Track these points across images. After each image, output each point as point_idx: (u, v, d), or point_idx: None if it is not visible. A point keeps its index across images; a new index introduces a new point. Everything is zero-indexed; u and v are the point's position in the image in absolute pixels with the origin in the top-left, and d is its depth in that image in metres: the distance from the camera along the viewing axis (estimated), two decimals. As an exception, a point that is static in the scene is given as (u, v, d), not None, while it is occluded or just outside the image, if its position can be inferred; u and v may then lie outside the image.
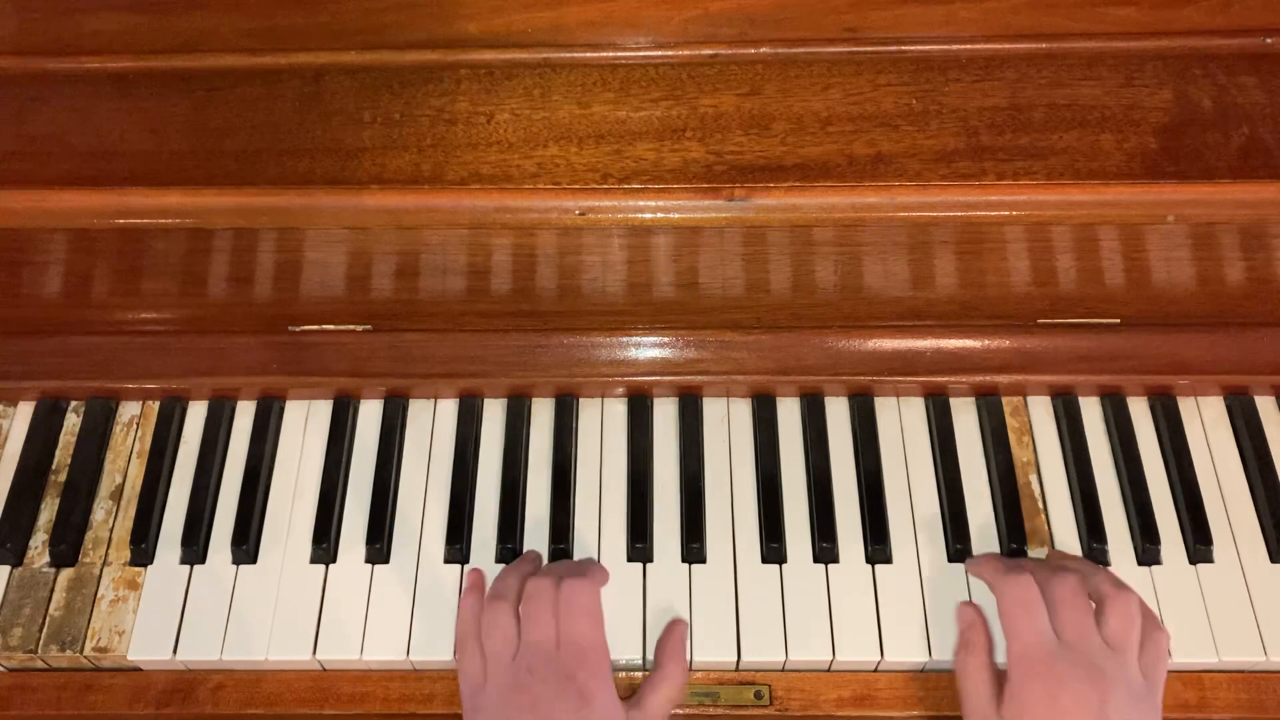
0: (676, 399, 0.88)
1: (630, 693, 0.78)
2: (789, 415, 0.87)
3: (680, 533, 0.82)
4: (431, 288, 0.84)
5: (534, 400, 0.88)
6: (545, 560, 0.81)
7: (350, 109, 0.79)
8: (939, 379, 0.86)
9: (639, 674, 0.79)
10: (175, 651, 0.78)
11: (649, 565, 0.81)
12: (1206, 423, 0.86)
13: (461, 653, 0.73)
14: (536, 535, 0.82)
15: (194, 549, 0.82)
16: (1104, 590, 0.70)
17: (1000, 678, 0.69)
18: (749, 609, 0.79)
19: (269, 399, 0.88)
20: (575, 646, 0.69)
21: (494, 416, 0.88)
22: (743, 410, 0.87)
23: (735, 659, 0.77)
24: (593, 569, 0.76)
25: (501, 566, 0.81)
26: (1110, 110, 0.77)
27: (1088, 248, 0.80)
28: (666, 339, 0.86)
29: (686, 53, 0.80)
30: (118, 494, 0.85)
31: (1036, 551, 0.81)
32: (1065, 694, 0.65)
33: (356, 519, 0.84)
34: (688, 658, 0.77)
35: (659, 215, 0.76)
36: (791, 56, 0.80)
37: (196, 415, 0.88)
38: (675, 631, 0.76)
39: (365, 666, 0.79)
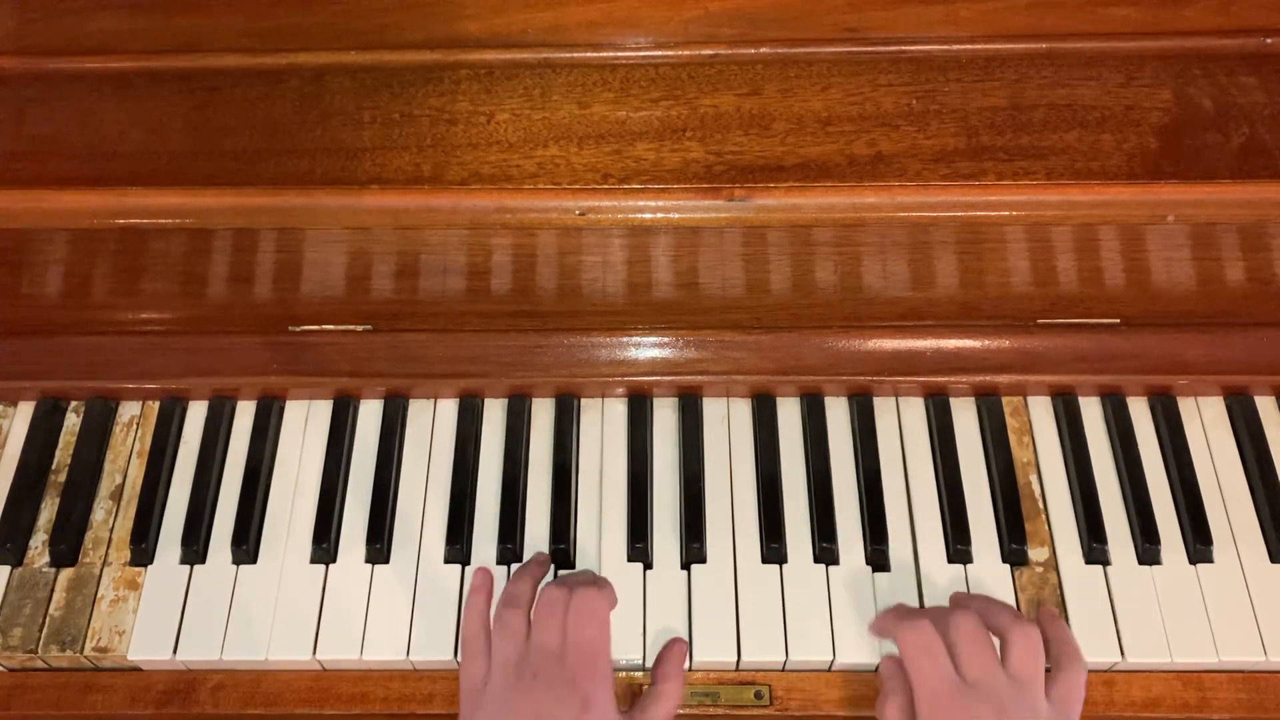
0: (676, 399, 0.88)
1: (629, 693, 0.78)
2: (789, 415, 0.87)
3: (680, 533, 0.82)
4: (431, 288, 0.84)
5: (534, 400, 0.88)
6: (551, 561, 0.81)
7: (350, 109, 0.79)
8: (939, 379, 0.86)
9: (639, 674, 0.79)
10: (175, 651, 0.78)
11: (649, 565, 0.81)
12: (1206, 423, 0.86)
13: (466, 652, 0.73)
14: (536, 535, 0.82)
15: (194, 549, 0.82)
16: (1004, 625, 0.70)
17: None
18: (749, 609, 0.79)
19: (269, 399, 0.88)
20: (580, 653, 0.70)
21: (494, 416, 0.88)
22: (743, 410, 0.87)
23: (735, 659, 0.77)
24: (605, 583, 0.77)
25: (502, 568, 0.81)
26: (1110, 110, 0.77)
27: (1088, 248, 0.80)
28: (666, 339, 0.86)
29: (686, 53, 0.80)
30: (118, 494, 0.85)
31: (1037, 553, 0.81)
32: None
33: (356, 519, 0.84)
34: (684, 673, 0.77)
35: (659, 215, 0.76)
36: (791, 56, 0.80)
37: (196, 415, 0.89)
38: (675, 650, 0.76)
39: (365, 666, 0.79)
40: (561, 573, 0.81)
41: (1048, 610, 0.77)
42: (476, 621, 0.73)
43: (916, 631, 0.70)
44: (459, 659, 0.75)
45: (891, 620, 0.74)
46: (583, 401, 0.88)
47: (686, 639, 0.78)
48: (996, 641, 0.70)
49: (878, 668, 0.76)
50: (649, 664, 0.78)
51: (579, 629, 0.70)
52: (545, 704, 0.67)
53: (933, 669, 0.68)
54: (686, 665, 0.78)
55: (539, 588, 0.75)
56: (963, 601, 0.76)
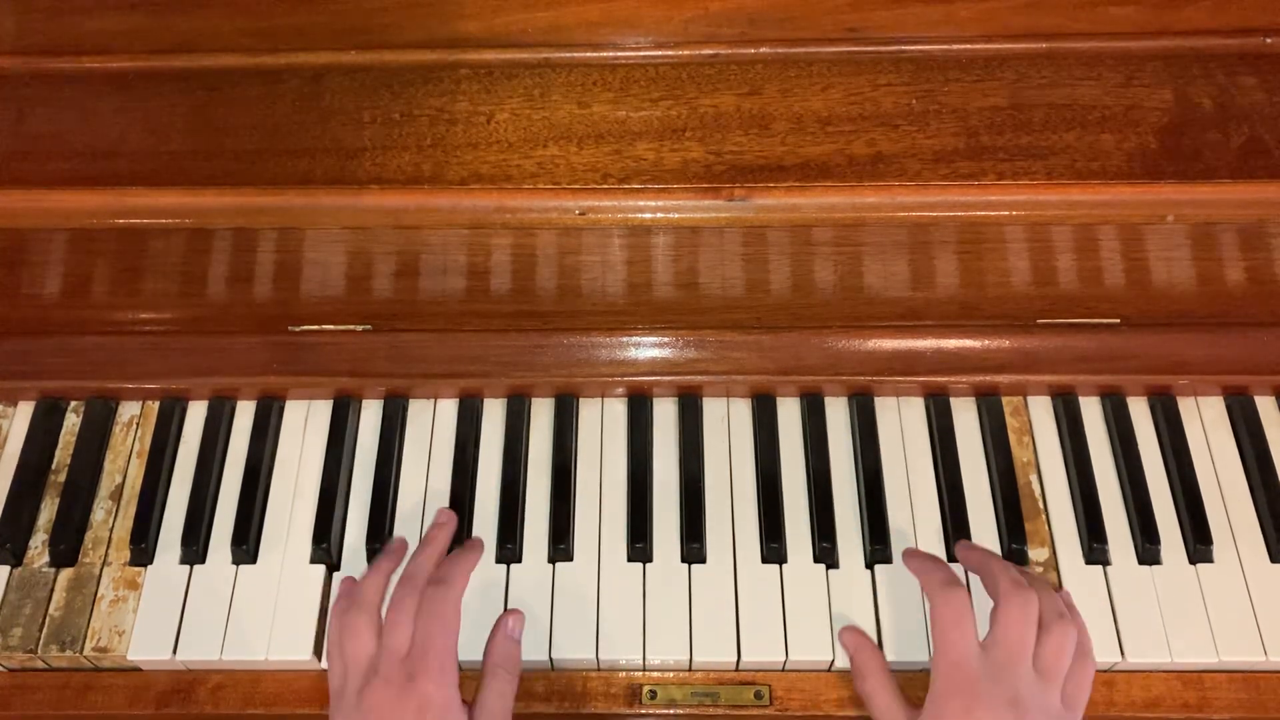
0: (676, 399, 0.88)
1: (629, 693, 0.78)
2: (789, 415, 0.87)
3: (680, 533, 0.82)
4: (431, 288, 0.84)
5: (534, 400, 0.88)
6: (549, 562, 0.81)
7: (350, 109, 0.79)
8: (939, 379, 0.86)
9: (639, 674, 0.79)
10: (175, 651, 0.78)
11: (649, 565, 0.81)
12: (1206, 423, 0.86)
13: (328, 659, 0.74)
14: (536, 535, 0.82)
15: (194, 549, 0.82)
16: (1048, 617, 0.70)
17: (900, 686, 0.71)
18: (749, 609, 0.79)
19: (269, 399, 0.88)
20: (419, 650, 0.70)
21: (494, 416, 0.88)
22: (743, 410, 0.87)
23: (735, 659, 0.77)
24: (455, 568, 0.76)
25: (503, 568, 0.81)
26: (1110, 110, 0.77)
27: (1088, 248, 0.80)
28: (666, 339, 0.86)
29: (686, 53, 0.80)
30: (118, 494, 0.85)
31: (1037, 552, 0.81)
32: (983, 713, 0.66)
33: (357, 519, 0.84)
34: (684, 664, 0.77)
35: (659, 215, 0.76)
36: (791, 56, 0.80)
37: (196, 415, 0.89)
38: (497, 629, 0.77)
39: (365, 666, 0.79)
40: (408, 560, 0.79)
41: (1067, 599, 0.77)
42: (334, 628, 0.74)
43: (955, 602, 0.71)
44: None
45: (932, 576, 0.74)
46: (583, 401, 0.88)
47: (687, 640, 0.78)
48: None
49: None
50: (649, 664, 0.78)
51: (421, 627, 0.71)
52: (383, 704, 0.68)
53: (960, 642, 0.69)
54: (687, 664, 0.78)
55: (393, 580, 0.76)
56: (1006, 570, 0.75)
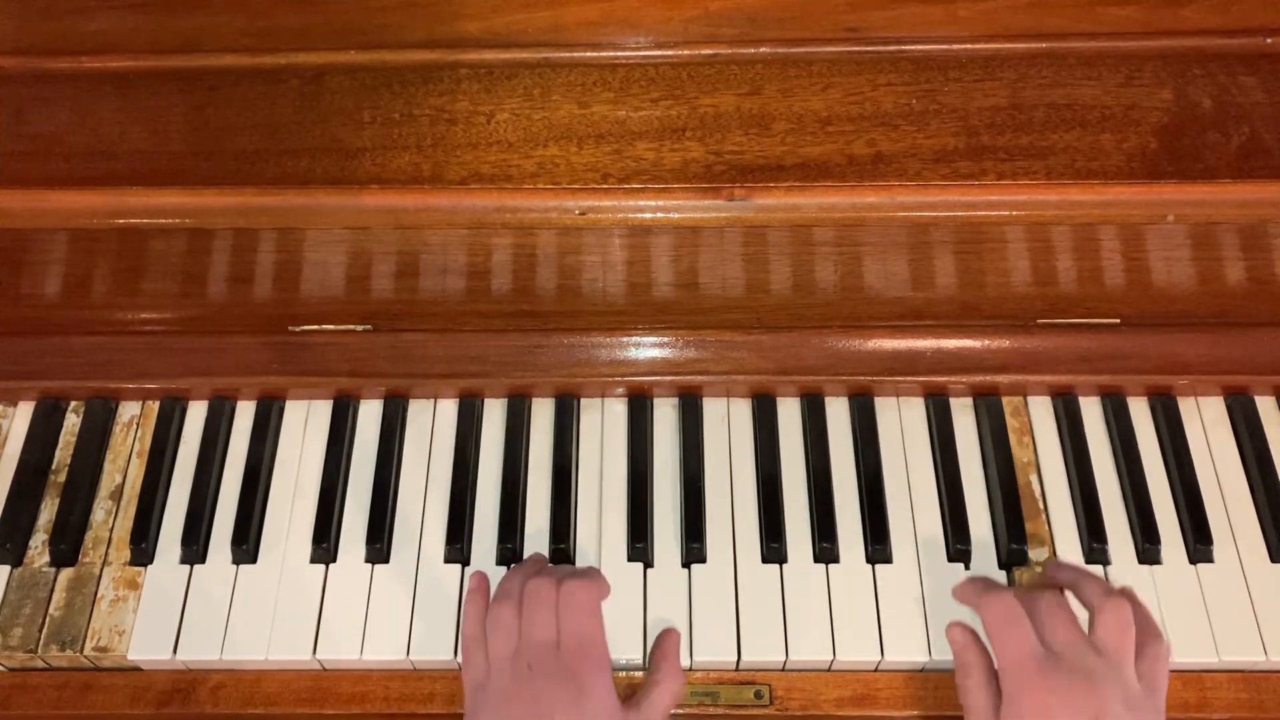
0: (676, 399, 0.88)
1: (630, 693, 0.78)
2: (789, 415, 0.87)
3: (680, 532, 0.82)
4: (431, 288, 0.84)
5: (534, 400, 0.88)
6: (549, 562, 0.81)
7: (350, 109, 0.79)
8: (939, 379, 0.86)
9: (639, 674, 0.79)
10: (175, 651, 0.78)
11: (649, 565, 0.81)
12: (1206, 423, 0.86)
13: (465, 654, 0.73)
14: (536, 535, 0.82)
15: (194, 549, 0.82)
16: (1095, 599, 0.70)
17: (1000, 692, 0.69)
18: (749, 609, 0.79)
19: (269, 399, 0.88)
20: (574, 642, 0.70)
21: (494, 416, 0.88)
22: (743, 410, 0.87)
23: (735, 659, 0.77)
24: (595, 573, 0.77)
25: (503, 567, 0.81)
26: (1110, 110, 0.77)
27: (1087, 247, 0.80)
28: (666, 339, 0.86)
29: (686, 53, 0.80)
30: (118, 494, 0.85)
31: (1037, 553, 0.81)
32: (1057, 701, 0.64)
33: (356, 519, 0.84)
34: (683, 664, 0.77)
35: (659, 215, 0.76)
36: (791, 56, 0.80)
37: (196, 415, 0.89)
38: (669, 639, 0.77)
39: (365, 666, 0.79)
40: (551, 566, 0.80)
41: (1129, 592, 0.76)
42: (474, 623, 0.74)
43: (1001, 601, 0.69)
44: (459, 661, 0.75)
45: (974, 590, 0.74)
46: (583, 401, 0.88)
47: (685, 640, 0.78)
48: (1083, 616, 0.70)
49: (948, 637, 0.74)
50: (649, 664, 0.78)
51: (569, 621, 0.71)
52: (543, 694, 0.67)
53: (1016, 638, 0.68)
54: (687, 664, 0.78)
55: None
56: (1054, 573, 0.75)
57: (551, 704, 0.67)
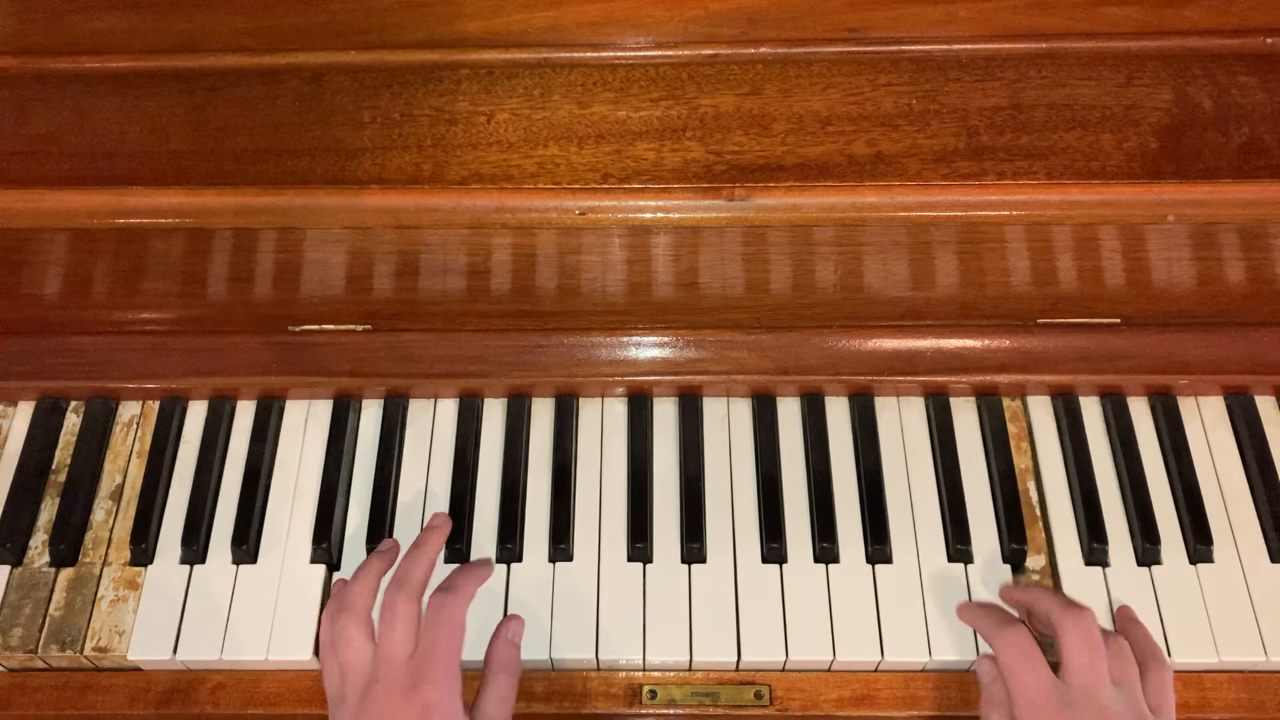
0: (676, 399, 0.88)
1: (629, 693, 0.78)
2: (789, 415, 0.87)
3: (680, 532, 0.82)
4: (431, 288, 0.84)
5: (534, 400, 0.88)
6: (550, 562, 0.81)
7: (350, 109, 0.79)
8: (939, 379, 0.86)
9: (639, 674, 0.79)
10: (175, 651, 0.78)
11: (649, 565, 0.81)
12: (1206, 423, 0.86)
13: (323, 664, 0.73)
14: (536, 535, 0.82)
15: (194, 549, 0.82)
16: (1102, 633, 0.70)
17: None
18: (749, 609, 0.79)
19: (269, 399, 0.88)
20: (425, 656, 0.70)
21: (494, 416, 0.88)
22: (743, 410, 0.87)
23: (735, 659, 0.77)
24: (465, 579, 0.76)
25: (504, 568, 0.81)
26: (1110, 110, 0.77)
27: (1088, 247, 0.80)
28: (666, 339, 0.86)
29: (686, 53, 0.80)
30: (118, 494, 0.85)
31: (1035, 558, 0.81)
32: None
33: (356, 519, 0.84)
34: (684, 664, 0.77)
35: (659, 215, 0.76)
36: (791, 56, 0.80)
37: (196, 415, 0.88)
38: (498, 632, 0.76)
39: (365, 666, 0.79)
40: (401, 560, 0.77)
41: (1127, 612, 0.77)
42: (326, 632, 0.73)
43: (1018, 637, 0.70)
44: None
45: (987, 622, 0.74)
46: (583, 401, 0.88)
47: (686, 640, 0.78)
48: None
49: (973, 668, 0.76)
50: (649, 664, 0.78)
51: (427, 633, 0.71)
52: (388, 710, 0.67)
53: (1032, 677, 0.68)
54: (687, 664, 0.78)
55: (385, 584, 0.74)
56: (1064, 598, 0.75)
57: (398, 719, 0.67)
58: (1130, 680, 0.68)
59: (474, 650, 0.76)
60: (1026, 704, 0.67)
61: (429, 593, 0.74)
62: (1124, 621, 0.76)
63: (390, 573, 0.76)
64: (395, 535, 0.83)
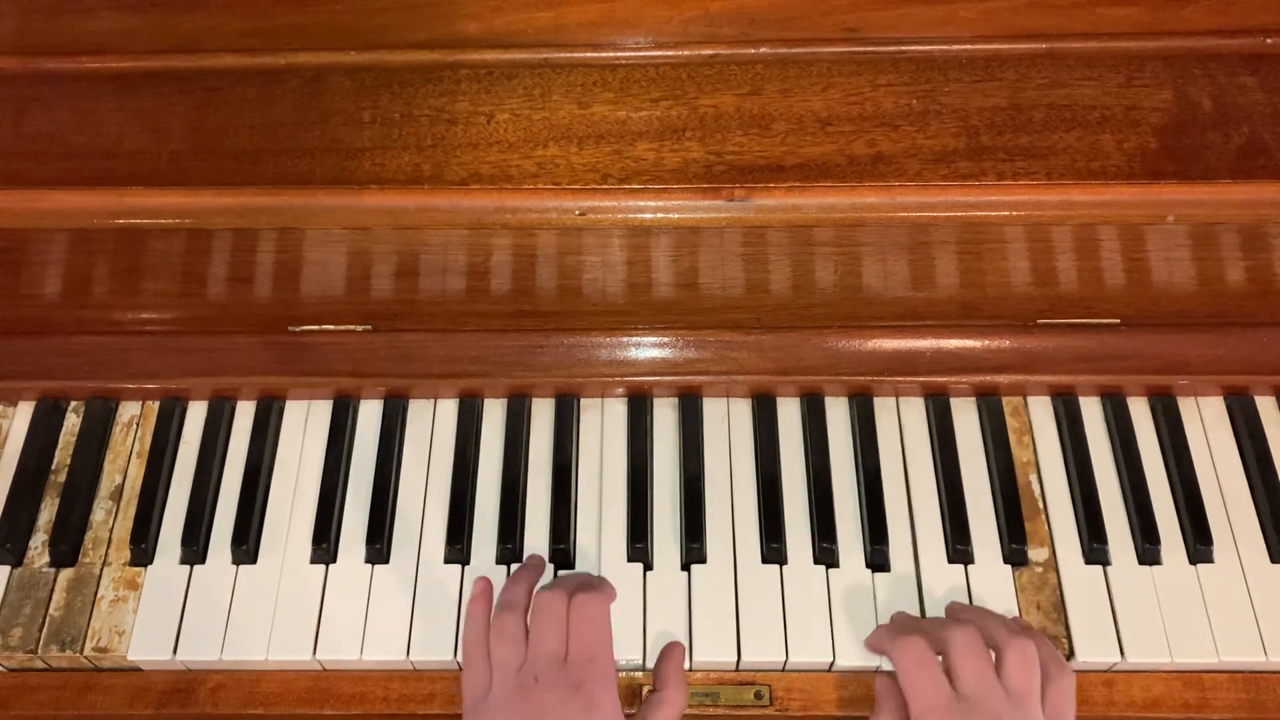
0: (676, 399, 0.88)
1: (630, 693, 0.78)
2: (789, 415, 0.87)
3: (680, 533, 0.82)
4: (431, 288, 0.84)
5: (534, 400, 0.88)
6: (548, 562, 0.81)
7: (350, 109, 0.79)
8: (939, 379, 0.86)
9: (639, 674, 0.79)
10: (175, 651, 0.78)
11: (649, 565, 0.81)
12: (1206, 423, 0.86)
13: (467, 661, 0.73)
14: (536, 535, 0.82)
15: (194, 549, 0.82)
16: (1001, 639, 0.69)
17: None
18: (749, 609, 0.79)
19: (269, 399, 0.88)
20: (584, 657, 0.70)
21: (494, 417, 0.88)
22: (743, 410, 0.87)
23: (735, 659, 0.77)
24: (603, 584, 0.77)
25: (503, 568, 0.81)
26: (1110, 110, 0.77)
27: (1088, 248, 0.80)
28: (666, 339, 0.86)
29: (686, 53, 0.80)
30: (118, 494, 0.85)
31: (1037, 552, 0.81)
32: None
33: (356, 519, 0.84)
34: (683, 665, 0.77)
35: (659, 215, 0.76)
36: (792, 56, 0.80)
37: (196, 415, 0.88)
38: (674, 652, 0.77)
39: (365, 666, 0.79)
40: (560, 573, 0.80)
41: (1022, 622, 0.76)
42: (476, 630, 0.74)
43: (911, 646, 0.69)
44: (460, 664, 0.75)
45: (885, 636, 0.74)
46: (583, 401, 0.88)
47: (685, 640, 0.78)
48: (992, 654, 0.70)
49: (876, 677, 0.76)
50: (649, 664, 0.78)
51: (578, 635, 0.71)
52: (549, 708, 0.67)
53: (928, 684, 0.68)
54: (687, 665, 0.78)
55: (535, 590, 0.75)
56: (957, 613, 0.76)
57: (559, 717, 0.67)
58: (1029, 689, 0.67)
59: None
60: (923, 709, 0.67)
61: None
62: (997, 627, 0.73)
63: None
64: (395, 535, 0.83)
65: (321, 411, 0.88)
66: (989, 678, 0.67)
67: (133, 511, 0.84)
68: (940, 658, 0.69)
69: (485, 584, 0.77)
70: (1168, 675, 0.78)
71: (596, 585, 0.75)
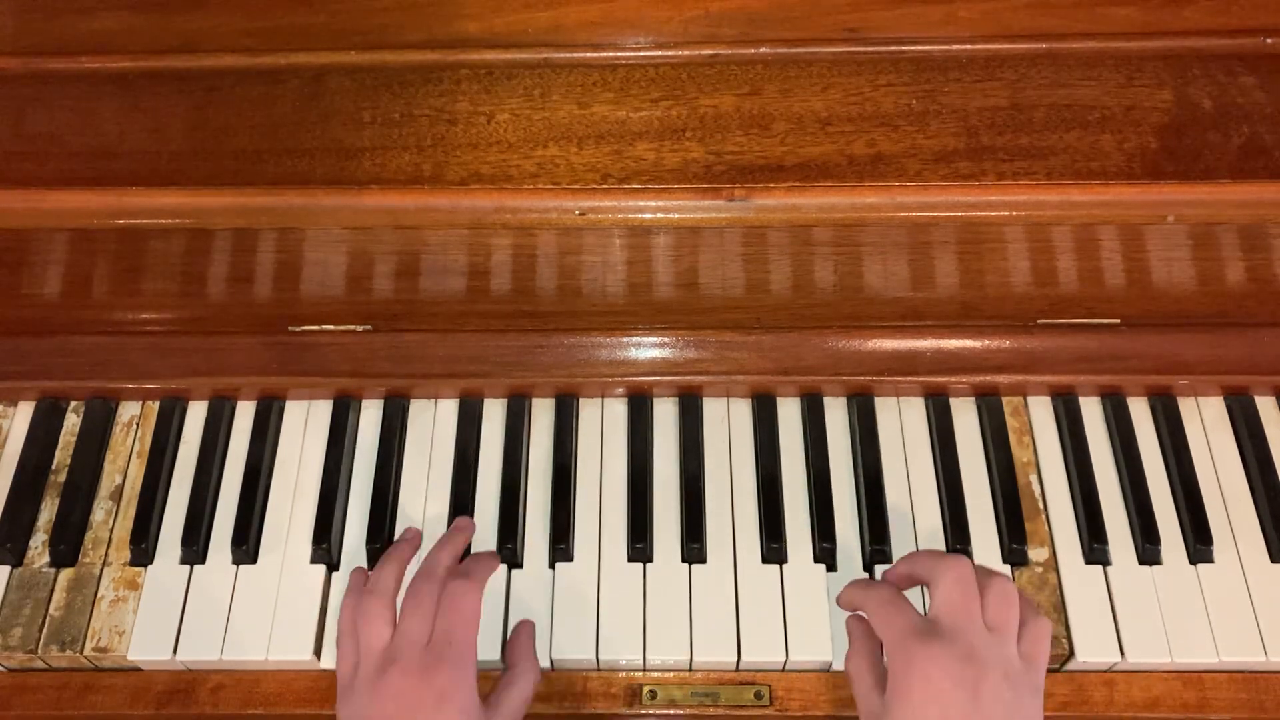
0: (676, 399, 0.88)
1: (629, 693, 0.78)
2: (789, 415, 0.87)
3: (680, 533, 0.82)
4: (431, 288, 0.84)
5: (534, 400, 0.88)
6: (549, 563, 0.81)
7: (350, 109, 0.79)
8: (939, 379, 0.86)
9: (639, 674, 0.79)
10: (175, 651, 0.78)
11: (649, 565, 0.81)
12: (1206, 423, 0.86)
13: (339, 646, 0.74)
14: (537, 535, 0.82)
15: (194, 549, 0.82)
16: (982, 579, 0.70)
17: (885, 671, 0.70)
18: (749, 609, 0.79)
19: (269, 399, 0.88)
20: (443, 644, 0.70)
21: (494, 417, 0.88)
22: (743, 410, 0.87)
23: (735, 659, 0.77)
24: (478, 566, 0.77)
25: (502, 567, 0.81)
26: (1110, 110, 0.77)
27: (1088, 248, 0.80)
28: (666, 339, 0.86)
29: (686, 53, 0.80)
30: (118, 494, 0.85)
31: (1037, 552, 0.81)
32: (939, 672, 0.65)
33: (357, 519, 0.84)
34: (684, 664, 0.77)
35: (659, 215, 0.76)
36: (791, 56, 0.80)
37: (196, 415, 0.88)
38: (523, 631, 0.77)
39: (365, 666, 0.79)
40: (426, 552, 0.79)
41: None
42: (347, 615, 0.74)
43: (881, 591, 0.72)
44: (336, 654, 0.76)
45: (856, 589, 0.76)
46: (583, 401, 0.88)
47: (686, 640, 0.78)
48: None
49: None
50: (649, 664, 0.78)
51: (445, 621, 0.71)
52: (404, 693, 0.68)
53: (898, 616, 0.69)
54: (687, 664, 0.78)
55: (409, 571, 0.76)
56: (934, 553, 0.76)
57: (414, 705, 0.67)
58: (1006, 624, 0.68)
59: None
60: (894, 639, 0.68)
61: None
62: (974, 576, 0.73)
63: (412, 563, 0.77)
64: (396, 536, 0.83)
65: (322, 411, 0.88)
66: (973, 612, 0.68)
67: (133, 511, 0.84)
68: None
69: (360, 575, 0.78)
70: (1168, 675, 0.78)
71: (472, 571, 0.75)
